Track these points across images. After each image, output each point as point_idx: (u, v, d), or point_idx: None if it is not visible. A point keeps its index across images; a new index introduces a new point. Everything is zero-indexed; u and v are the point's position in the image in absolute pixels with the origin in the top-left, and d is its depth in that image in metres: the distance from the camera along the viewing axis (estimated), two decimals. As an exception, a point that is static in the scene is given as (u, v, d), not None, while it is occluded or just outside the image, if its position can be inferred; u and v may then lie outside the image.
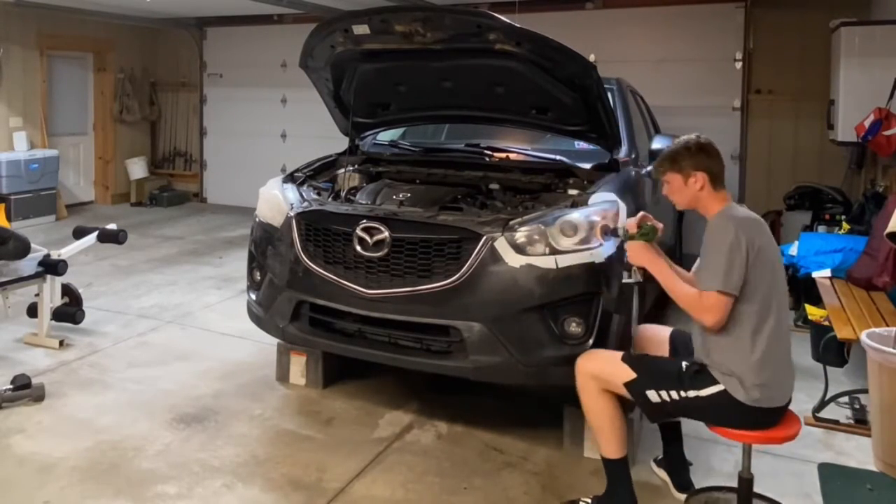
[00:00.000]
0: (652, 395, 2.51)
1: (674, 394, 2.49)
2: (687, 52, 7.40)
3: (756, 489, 2.90)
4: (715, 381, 2.46)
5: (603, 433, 2.62)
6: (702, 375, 2.49)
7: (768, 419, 2.47)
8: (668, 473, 2.93)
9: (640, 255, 2.67)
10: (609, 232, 2.96)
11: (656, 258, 2.64)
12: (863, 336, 3.05)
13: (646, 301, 3.61)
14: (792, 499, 2.87)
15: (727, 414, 2.47)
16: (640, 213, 2.82)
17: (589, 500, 2.71)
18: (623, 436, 2.62)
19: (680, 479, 2.88)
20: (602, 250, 2.98)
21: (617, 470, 2.64)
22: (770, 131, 7.22)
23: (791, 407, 3.61)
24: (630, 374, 2.54)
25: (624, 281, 2.88)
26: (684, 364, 2.55)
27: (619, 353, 2.66)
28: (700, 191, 2.59)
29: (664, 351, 2.76)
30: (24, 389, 3.57)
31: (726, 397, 2.43)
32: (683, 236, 5.76)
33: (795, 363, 4.21)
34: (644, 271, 2.68)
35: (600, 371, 2.61)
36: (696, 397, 2.47)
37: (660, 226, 2.72)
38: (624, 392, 2.56)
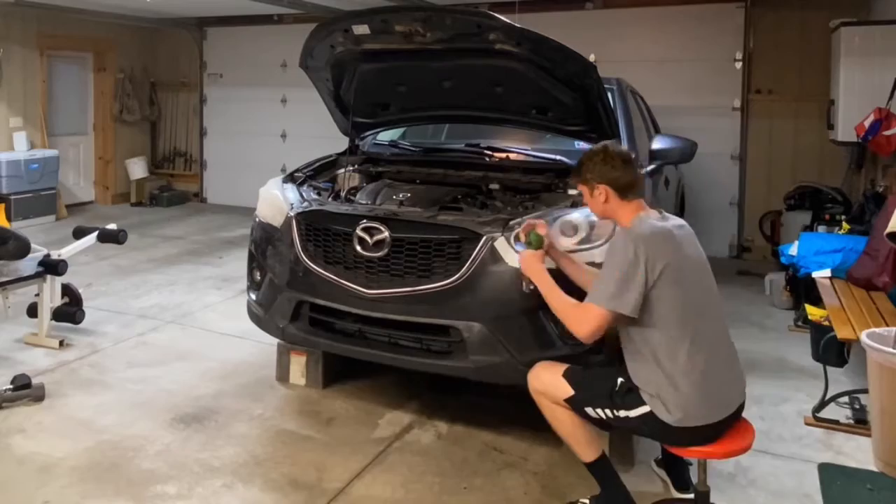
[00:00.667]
0: (590, 411, 2.50)
1: (608, 412, 2.47)
2: (687, 52, 7.40)
3: (756, 489, 2.91)
4: (643, 402, 2.41)
5: (572, 441, 2.61)
6: (631, 395, 2.44)
7: (705, 435, 2.38)
8: (668, 473, 2.93)
9: (524, 264, 2.70)
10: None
11: (538, 267, 2.64)
12: (863, 336, 3.05)
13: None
14: (792, 499, 2.87)
15: (660, 433, 2.44)
16: (526, 222, 2.81)
17: (587, 501, 2.72)
18: (591, 438, 2.60)
19: (679, 479, 2.88)
20: (602, 250, 2.96)
21: (600, 470, 2.63)
22: (770, 131, 7.22)
23: (791, 407, 3.65)
24: (568, 391, 2.52)
25: (523, 290, 2.89)
26: (619, 381, 2.49)
27: (562, 368, 2.61)
28: (605, 203, 2.53)
29: None
30: (24, 389, 3.57)
31: (653, 418, 2.39)
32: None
33: (795, 363, 4.28)
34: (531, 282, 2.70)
35: (544, 387, 2.60)
36: (627, 417, 2.44)
37: (543, 229, 2.74)
38: (567, 406, 2.54)
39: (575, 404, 2.52)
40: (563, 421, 2.59)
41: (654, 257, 2.33)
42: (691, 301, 2.39)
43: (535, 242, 2.71)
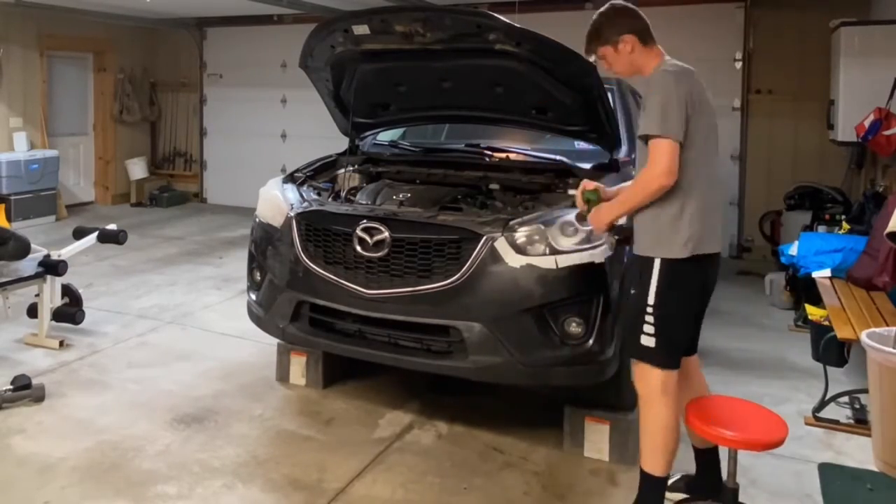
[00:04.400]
0: (645, 339, 2.48)
1: (651, 301, 2.47)
2: (687, 52, 7.22)
3: (756, 489, 2.91)
4: (651, 266, 2.46)
5: (651, 442, 2.51)
6: (644, 275, 2.48)
7: (700, 276, 2.48)
8: (698, 478, 2.79)
9: (600, 219, 2.65)
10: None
11: (610, 208, 2.63)
12: (863, 336, 3.04)
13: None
14: (792, 499, 2.87)
15: (675, 284, 2.45)
16: (581, 187, 2.76)
17: (678, 476, 2.69)
18: (670, 454, 2.52)
19: (710, 485, 2.74)
20: (602, 250, 2.97)
21: (654, 488, 2.52)
22: (770, 131, 7.22)
23: (791, 407, 3.65)
24: (633, 342, 2.52)
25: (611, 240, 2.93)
26: (632, 291, 2.56)
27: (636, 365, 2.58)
28: (632, 53, 2.62)
29: None
30: (25, 390, 3.57)
31: (665, 266, 2.44)
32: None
33: (795, 363, 4.29)
34: (614, 230, 2.71)
35: (636, 379, 2.55)
36: (653, 292, 2.46)
37: (591, 185, 2.74)
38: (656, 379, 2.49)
39: (634, 333, 2.51)
40: (654, 419, 2.51)
41: (691, 88, 2.46)
42: (709, 134, 2.51)
43: (595, 199, 2.70)
